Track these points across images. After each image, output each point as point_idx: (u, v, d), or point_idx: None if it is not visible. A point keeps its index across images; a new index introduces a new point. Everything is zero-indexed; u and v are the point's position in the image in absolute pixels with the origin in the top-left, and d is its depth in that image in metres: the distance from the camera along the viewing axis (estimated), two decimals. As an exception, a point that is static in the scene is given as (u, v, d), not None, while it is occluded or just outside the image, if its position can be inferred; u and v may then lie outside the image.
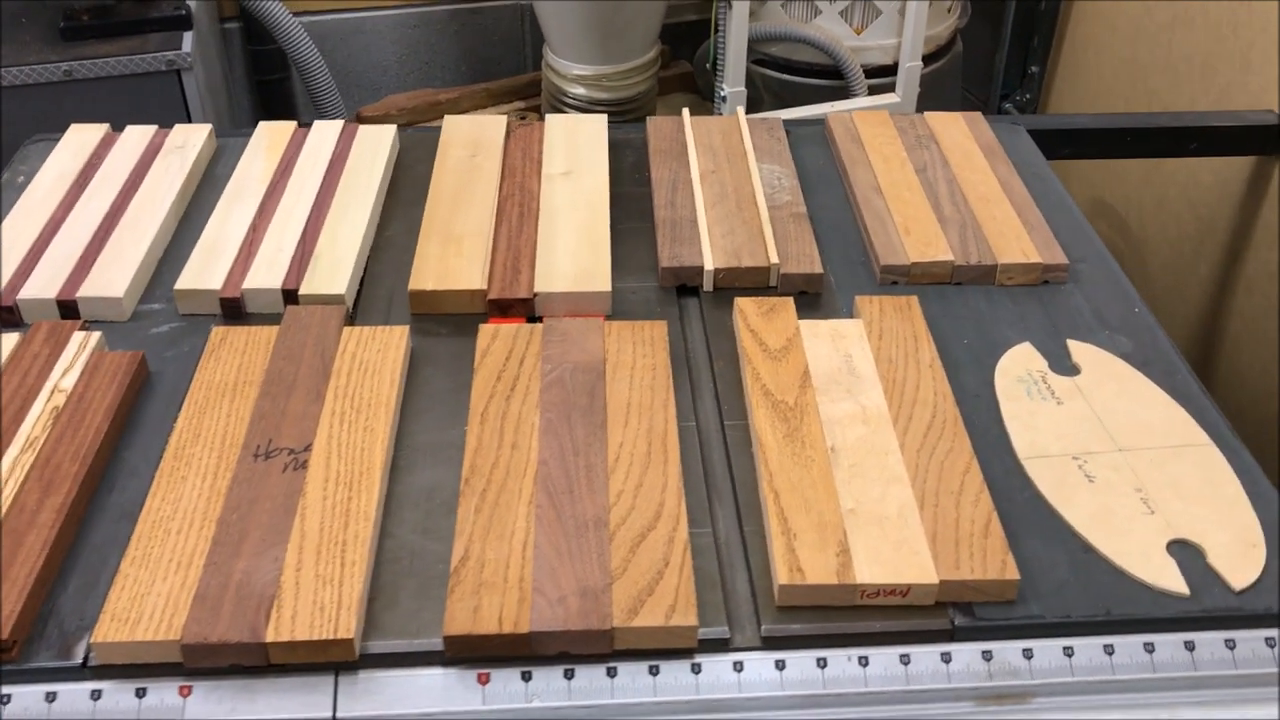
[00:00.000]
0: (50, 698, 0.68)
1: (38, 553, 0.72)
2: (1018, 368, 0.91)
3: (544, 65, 1.97)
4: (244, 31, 2.07)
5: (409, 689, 0.69)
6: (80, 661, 0.69)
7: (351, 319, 0.96)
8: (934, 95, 1.95)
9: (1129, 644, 0.72)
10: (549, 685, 0.69)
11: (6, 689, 0.68)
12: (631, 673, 0.70)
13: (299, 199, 1.06)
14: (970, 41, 2.11)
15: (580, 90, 1.91)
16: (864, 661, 0.71)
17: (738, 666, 0.70)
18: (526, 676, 0.69)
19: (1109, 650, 0.72)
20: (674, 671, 0.70)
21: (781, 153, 1.16)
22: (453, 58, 2.28)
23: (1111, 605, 0.73)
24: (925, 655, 0.71)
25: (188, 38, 1.62)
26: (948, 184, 1.11)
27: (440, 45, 2.26)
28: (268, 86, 2.11)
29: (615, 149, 1.19)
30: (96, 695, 0.68)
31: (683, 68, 2.21)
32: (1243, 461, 0.83)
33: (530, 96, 2.10)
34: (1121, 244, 1.73)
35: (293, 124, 1.18)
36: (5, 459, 0.79)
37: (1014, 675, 0.71)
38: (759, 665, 0.71)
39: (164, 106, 1.62)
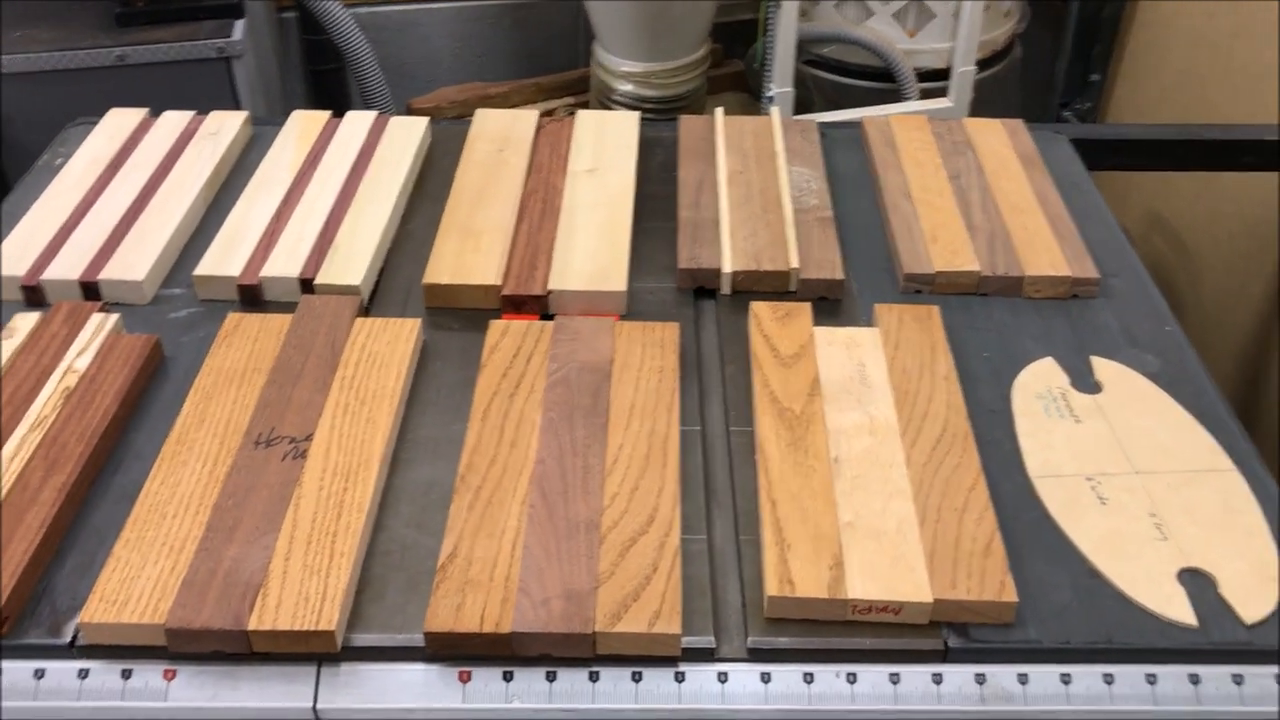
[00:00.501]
0: (39, 674, 0.69)
1: (36, 530, 0.73)
2: (1037, 383, 0.89)
3: (593, 61, 1.96)
4: (300, 21, 2.09)
5: (390, 684, 0.69)
6: (69, 641, 0.69)
7: (367, 310, 0.96)
8: (990, 101, 1.92)
9: (1130, 674, 0.69)
10: (530, 687, 0.69)
11: (-4, 664, 0.69)
12: (614, 678, 0.69)
13: (324, 189, 1.07)
14: (1030, 47, 2.06)
15: (628, 87, 1.91)
16: (852, 679, 0.69)
17: (722, 677, 0.69)
18: (508, 677, 0.69)
19: (1108, 679, 0.69)
20: (657, 679, 0.69)
21: (813, 155, 1.15)
22: (506, 52, 2.28)
23: (1114, 633, 0.70)
24: (916, 675, 0.69)
25: (239, 26, 1.64)
26: (980, 192, 1.08)
27: (494, 39, 2.26)
28: (322, 76, 2.13)
29: (646, 147, 1.18)
30: (84, 674, 0.69)
31: (735, 66, 2.19)
32: (1268, 490, 0.80)
33: (580, 92, 2.09)
34: (1174, 259, 1.68)
35: (326, 114, 1.19)
36: (13, 437, 0.80)
37: (1007, 701, 0.69)
38: (744, 677, 0.69)
39: (213, 93, 1.64)
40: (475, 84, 2.08)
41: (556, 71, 2.21)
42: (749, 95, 2.16)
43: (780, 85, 1.74)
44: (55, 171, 1.12)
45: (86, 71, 1.60)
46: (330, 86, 2.16)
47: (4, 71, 1.57)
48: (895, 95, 1.87)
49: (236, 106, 1.66)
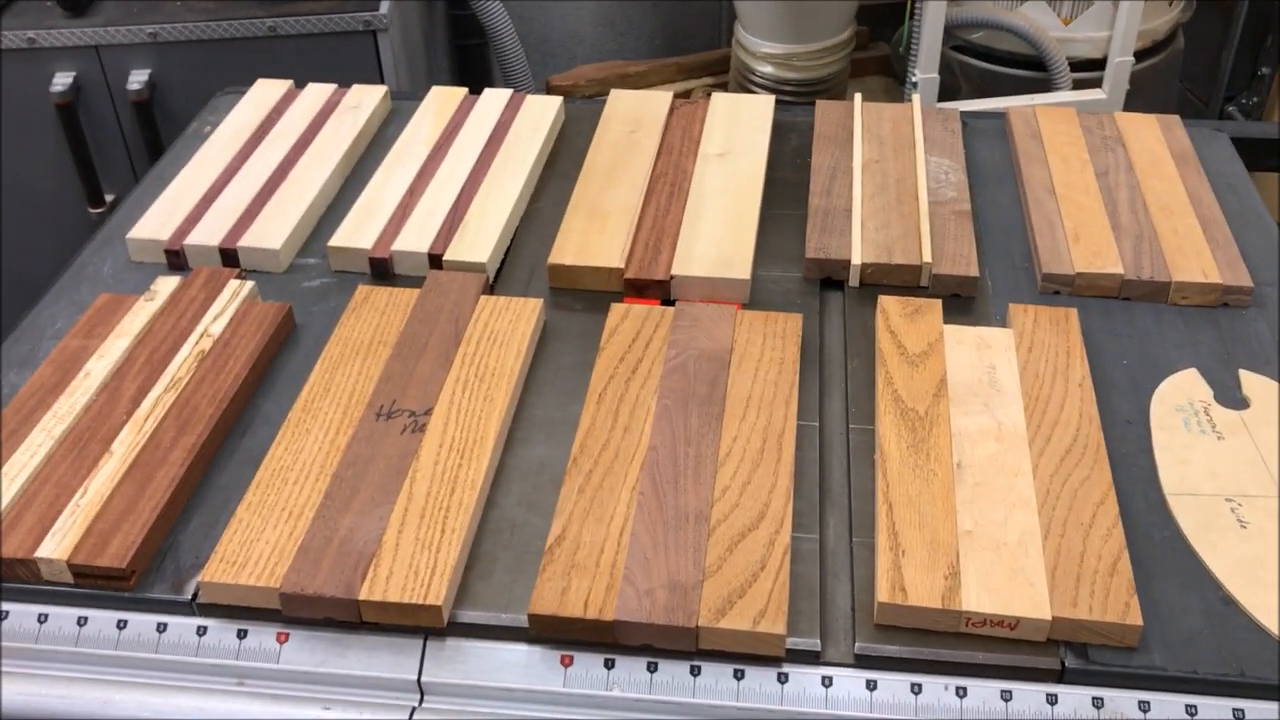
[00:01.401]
0: (161, 628, 0.71)
1: (165, 489, 0.76)
2: (1179, 395, 0.84)
3: (734, 42, 1.94)
4: (446, -4, 2.12)
5: (493, 662, 0.69)
6: (189, 598, 0.72)
7: (492, 288, 0.97)
8: (1147, 93, 1.83)
9: (1263, 711, 0.66)
10: (631, 676, 0.68)
11: (125, 615, 0.71)
12: (716, 674, 0.68)
13: (457, 165, 1.08)
14: (1194, 38, 1.96)
15: (769, 69, 1.88)
16: (962, 692, 0.67)
17: (826, 681, 0.68)
18: (609, 664, 0.69)
19: (1238, 715, 0.66)
20: (759, 678, 0.68)
21: (954, 145, 1.11)
22: (647, 30, 2.27)
23: (1247, 665, 0.67)
24: (1029, 694, 0.67)
25: (385, 0, 1.66)
26: (1129, 190, 1.04)
27: (636, 17, 2.26)
28: (466, 51, 2.16)
29: (780, 132, 1.16)
30: (202, 631, 0.71)
31: (881, 50, 2.14)
32: None
33: (720, 73, 2.08)
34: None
35: (463, 90, 1.20)
36: (149, 396, 0.83)
37: (1126, 728, 0.66)
38: (849, 683, 0.68)
39: (359, 66, 1.67)
40: (614, 62, 2.08)
41: (697, 51, 2.19)
42: (893, 80, 2.11)
43: (925, 71, 1.69)
44: (203, 139, 1.16)
45: (237, 41, 1.65)
46: (474, 62, 2.19)
47: (162, 40, 1.63)
48: (1046, 85, 1.80)
49: (381, 79, 1.69)
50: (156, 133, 1.68)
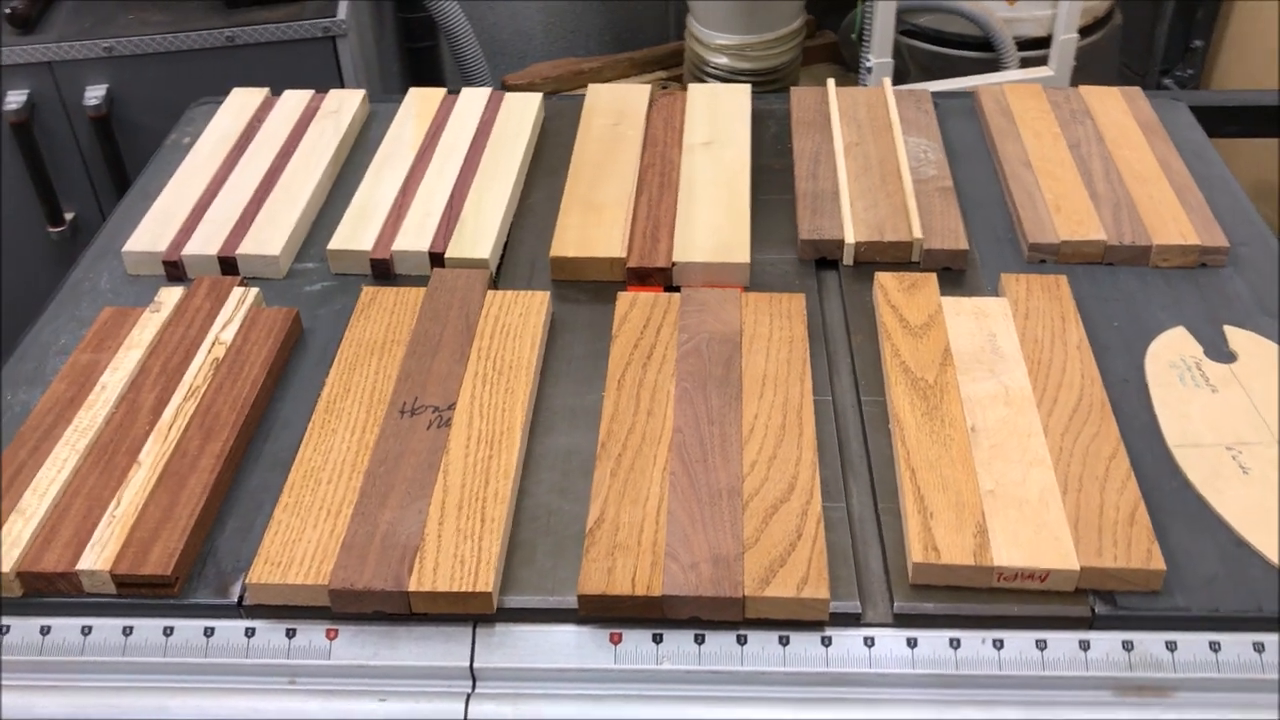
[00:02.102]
0: (208, 633, 0.72)
1: (198, 495, 0.76)
2: (1170, 353, 0.88)
3: (687, 34, 1.96)
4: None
5: (544, 644, 0.71)
6: (236, 600, 0.72)
7: (494, 283, 0.98)
8: (1089, 69, 1.89)
9: (1281, 643, 0.69)
10: (680, 649, 0.70)
11: (170, 622, 0.72)
12: (761, 642, 0.70)
13: (446, 164, 1.09)
14: (1129, 14, 2.03)
15: (723, 60, 1.91)
16: (999, 644, 0.70)
17: (869, 642, 0.70)
18: (658, 639, 0.70)
19: (1259, 648, 0.69)
20: (804, 643, 0.70)
21: (928, 125, 1.14)
22: (596, 27, 2.29)
23: (1263, 601, 0.70)
24: (1063, 642, 0.70)
25: (343, 5, 1.66)
26: (1102, 161, 1.07)
27: (585, 15, 2.27)
28: (417, 53, 2.16)
29: (757, 120, 1.18)
30: (250, 633, 0.71)
31: (827, 38, 2.18)
32: None
33: (673, 66, 2.10)
34: (1285, 228, 1.65)
35: (442, 91, 1.21)
36: (169, 406, 0.83)
37: (1156, 668, 0.69)
38: (890, 642, 0.70)
39: (319, 72, 1.67)
40: (568, 59, 2.10)
41: (645, 46, 2.22)
42: (841, 67, 2.15)
43: (879, 56, 1.73)
44: (184, 149, 1.15)
45: (196, 53, 1.64)
46: (425, 63, 2.19)
47: (118, 54, 1.62)
48: (993, 65, 1.85)
49: (341, 85, 1.69)
50: (116, 148, 1.67)
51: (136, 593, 0.72)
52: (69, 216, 1.73)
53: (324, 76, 1.68)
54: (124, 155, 1.68)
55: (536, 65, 2.08)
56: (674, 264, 0.96)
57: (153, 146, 1.64)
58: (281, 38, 1.64)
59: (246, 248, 0.99)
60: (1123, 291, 0.95)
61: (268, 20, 1.64)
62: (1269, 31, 1.78)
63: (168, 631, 0.72)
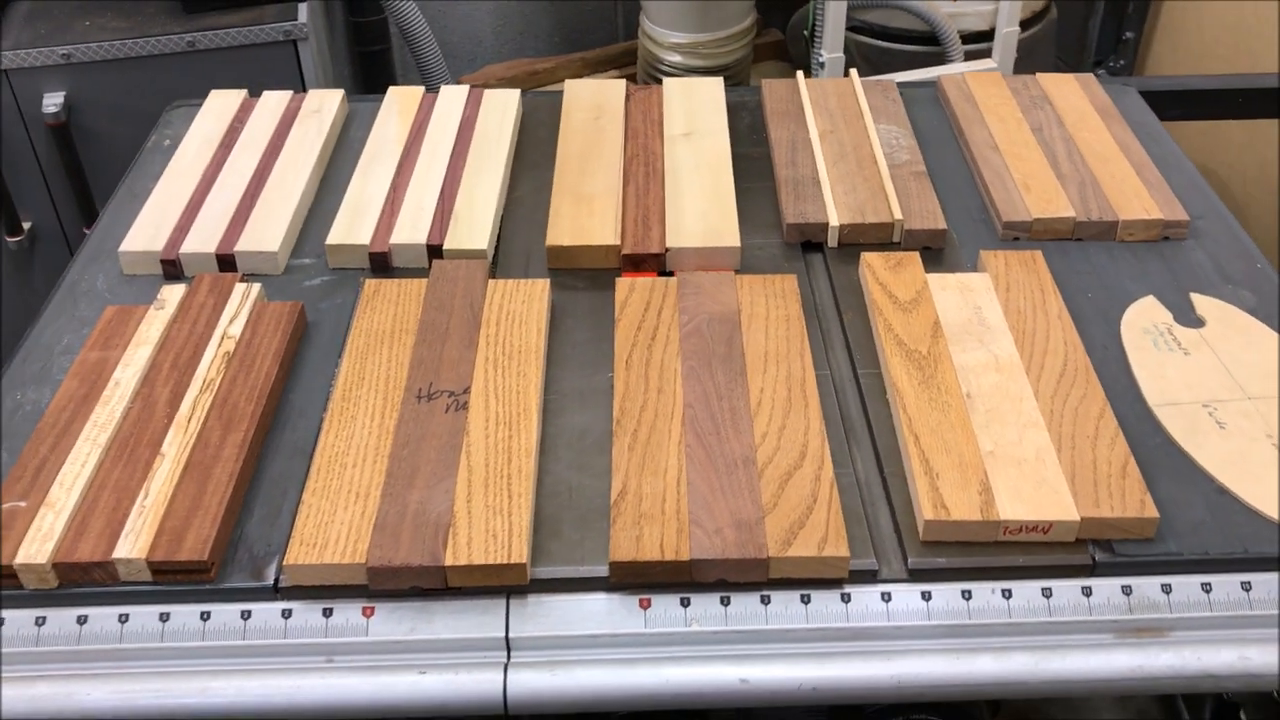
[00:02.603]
0: (245, 615, 0.73)
1: (226, 484, 0.77)
2: (1143, 320, 0.93)
3: (640, 33, 2.00)
4: (345, 4, 2.12)
5: (576, 612, 0.73)
6: (271, 583, 0.74)
7: (491, 274, 1.00)
8: (1028, 62, 1.95)
9: (1267, 581, 0.74)
10: (707, 611, 0.73)
11: (207, 607, 0.73)
12: (784, 601, 0.73)
13: (434, 160, 1.11)
14: (1064, 8, 2.10)
15: (676, 58, 1.94)
16: (1007, 594, 0.74)
17: (886, 597, 0.74)
18: (685, 602, 0.73)
19: (1246, 586, 0.74)
20: (825, 600, 0.74)
21: (897, 113, 1.19)
22: (545, 29, 2.31)
23: (1248, 544, 0.75)
24: (1067, 589, 0.74)
25: (303, 9, 1.67)
26: (1064, 143, 1.13)
27: (533, 17, 2.29)
28: (368, 58, 2.16)
29: (730, 112, 1.21)
30: (287, 614, 0.73)
31: (774, 36, 2.23)
32: (1372, 411, 0.85)
33: (625, 65, 2.13)
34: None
35: (420, 89, 1.23)
36: (185, 399, 0.84)
37: (1153, 609, 0.74)
38: (906, 596, 0.74)
39: (281, 76, 1.67)
40: (522, 60, 2.12)
41: (594, 46, 2.24)
42: (789, 64, 2.20)
43: (831, 51, 1.78)
44: (166, 152, 1.16)
45: (156, 58, 1.63)
46: (376, 67, 2.19)
47: (76, 61, 1.60)
48: (938, 59, 1.91)
49: (303, 88, 1.70)
50: (75, 156, 1.65)
51: (172, 579, 0.73)
52: (27, 226, 1.71)
53: (285, 81, 1.68)
54: (84, 163, 1.67)
55: (490, 67, 2.10)
56: (667, 249, 0.99)
57: (114, 153, 1.64)
58: (243, 42, 1.64)
59: (244, 244, 1.00)
60: (1093, 264, 1.01)
61: (229, 25, 1.64)
62: (1197, 24, 1.86)
63: (205, 616, 0.73)
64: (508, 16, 2.27)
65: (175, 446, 0.80)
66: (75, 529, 0.74)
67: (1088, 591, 0.74)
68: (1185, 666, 0.72)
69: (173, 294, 0.95)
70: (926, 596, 0.74)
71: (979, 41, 1.91)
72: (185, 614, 0.73)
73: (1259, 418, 0.83)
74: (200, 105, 1.22)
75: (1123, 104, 1.22)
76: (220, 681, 0.72)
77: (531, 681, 0.72)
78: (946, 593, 0.74)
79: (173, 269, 1.00)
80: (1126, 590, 0.74)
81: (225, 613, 0.73)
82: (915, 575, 0.75)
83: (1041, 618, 0.73)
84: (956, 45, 1.87)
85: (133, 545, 0.73)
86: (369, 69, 2.17)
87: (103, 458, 0.79)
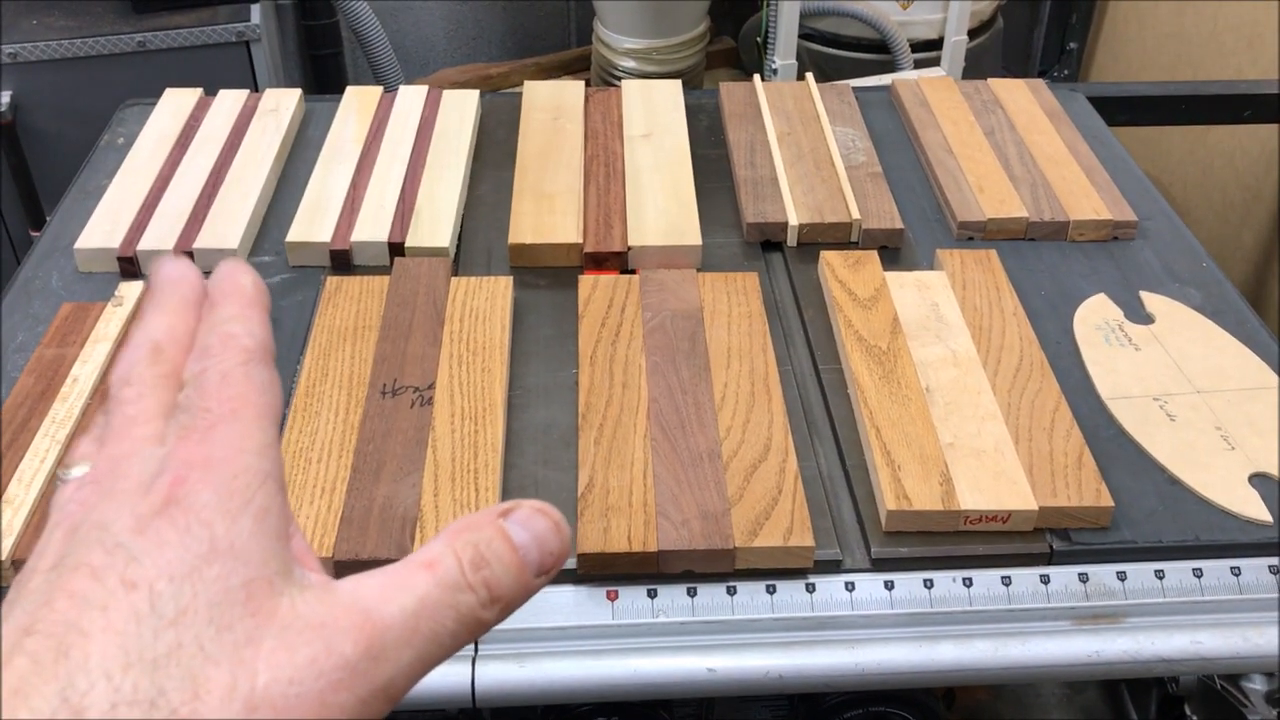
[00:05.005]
0: (209, 611, 0.72)
1: (189, 479, 0.77)
2: (1095, 316, 0.96)
3: (594, 39, 2.01)
4: (298, 7, 2.11)
5: (543, 605, 0.74)
6: (237, 578, 0.73)
7: (453, 271, 1.00)
8: (975, 70, 1.99)
9: (1217, 568, 0.76)
10: (673, 602, 0.74)
11: (170, 602, 0.72)
12: (750, 591, 0.74)
13: (394, 158, 1.11)
14: (1009, 18, 2.14)
15: (630, 64, 1.95)
16: (968, 582, 0.75)
17: (849, 586, 0.75)
18: (652, 594, 0.74)
19: (1198, 573, 0.76)
20: (790, 590, 0.74)
21: (853, 116, 1.21)
22: (498, 34, 2.32)
23: (1199, 532, 0.77)
24: (1025, 577, 0.76)
25: (255, 10, 1.66)
26: (1016, 146, 1.15)
27: (486, 22, 2.30)
28: (320, 61, 2.16)
29: (688, 114, 1.22)
30: (252, 609, 0.72)
31: (726, 44, 2.25)
32: (1314, 404, 0.88)
33: (579, 71, 2.14)
34: (1164, 214, 1.77)
35: (379, 89, 1.23)
36: (147, 395, 0.83)
37: (1109, 596, 0.75)
38: (870, 585, 0.75)
39: (233, 77, 1.66)
40: (476, 65, 2.12)
41: (547, 51, 2.25)
42: (741, 71, 2.22)
43: (784, 58, 1.80)
44: (119, 150, 1.15)
45: (105, 58, 1.62)
46: (328, 70, 2.19)
47: (23, 60, 1.58)
48: (888, 66, 1.94)
49: (256, 90, 1.68)
50: (22, 156, 1.63)
51: (135, 575, 0.73)
52: (-28, 227, 1.69)
53: (237, 83, 1.66)
54: (30, 164, 1.64)
55: (444, 71, 2.10)
56: (629, 248, 1.00)
57: (61, 155, 1.62)
58: (194, 43, 1.63)
59: (203, 241, 0.99)
60: (1045, 263, 1.03)
61: (179, 25, 1.62)
62: (1138, 33, 1.91)
63: (169, 612, 0.72)
64: (461, 21, 2.27)
65: (136, 442, 0.79)
66: (34, 526, 0.73)
67: (1046, 579, 0.76)
68: (1140, 651, 0.74)
69: (131, 291, 0.94)
70: (889, 585, 0.75)
71: (928, 50, 1.95)
72: (148, 610, 0.72)
73: (1207, 410, 0.86)
74: (154, 104, 1.21)
75: (1071, 109, 1.25)
76: (185, 677, 0.71)
77: (499, 674, 0.72)
78: (909, 582, 0.75)
79: (130, 266, 0.99)
80: (1083, 578, 0.76)
81: (189, 608, 0.72)
82: (878, 565, 0.76)
83: (1001, 605, 0.75)
84: (906, 53, 1.90)
85: (94, 541, 0.72)
86: (321, 73, 2.16)
87: (62, 454, 0.78)
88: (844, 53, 1.98)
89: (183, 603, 0.28)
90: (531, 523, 0.34)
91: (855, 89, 1.29)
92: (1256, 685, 1.10)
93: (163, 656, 0.28)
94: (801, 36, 1.97)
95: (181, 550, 0.29)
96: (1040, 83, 1.27)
